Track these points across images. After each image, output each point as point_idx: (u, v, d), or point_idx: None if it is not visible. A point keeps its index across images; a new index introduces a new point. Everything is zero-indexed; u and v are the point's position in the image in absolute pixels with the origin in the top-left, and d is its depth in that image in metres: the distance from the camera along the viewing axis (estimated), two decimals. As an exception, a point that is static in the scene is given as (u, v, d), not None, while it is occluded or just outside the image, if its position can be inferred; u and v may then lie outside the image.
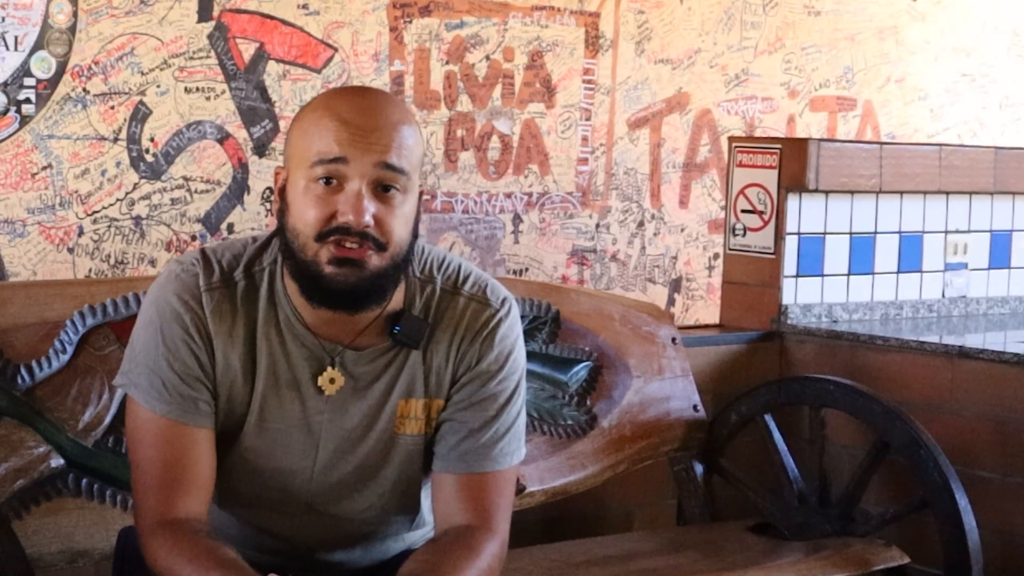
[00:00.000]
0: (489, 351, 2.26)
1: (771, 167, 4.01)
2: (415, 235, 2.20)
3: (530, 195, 4.63)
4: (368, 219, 2.10)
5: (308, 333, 2.21)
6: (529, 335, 3.29)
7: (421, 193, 2.22)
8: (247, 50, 4.02)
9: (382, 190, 2.12)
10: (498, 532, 2.24)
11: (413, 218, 2.18)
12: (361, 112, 2.13)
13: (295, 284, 2.18)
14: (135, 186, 3.86)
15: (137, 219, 3.87)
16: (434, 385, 2.26)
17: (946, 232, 4.31)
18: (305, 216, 2.12)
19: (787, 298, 4.02)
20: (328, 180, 2.11)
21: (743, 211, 4.07)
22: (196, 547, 2.10)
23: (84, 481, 2.70)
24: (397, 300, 2.23)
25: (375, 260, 2.12)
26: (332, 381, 2.22)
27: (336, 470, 2.26)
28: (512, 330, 2.29)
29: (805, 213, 4.02)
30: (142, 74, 3.84)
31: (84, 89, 3.75)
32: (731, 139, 4.21)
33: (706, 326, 4.32)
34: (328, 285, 2.13)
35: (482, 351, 2.26)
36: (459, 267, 2.30)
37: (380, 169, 2.11)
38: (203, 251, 2.24)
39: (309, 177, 2.12)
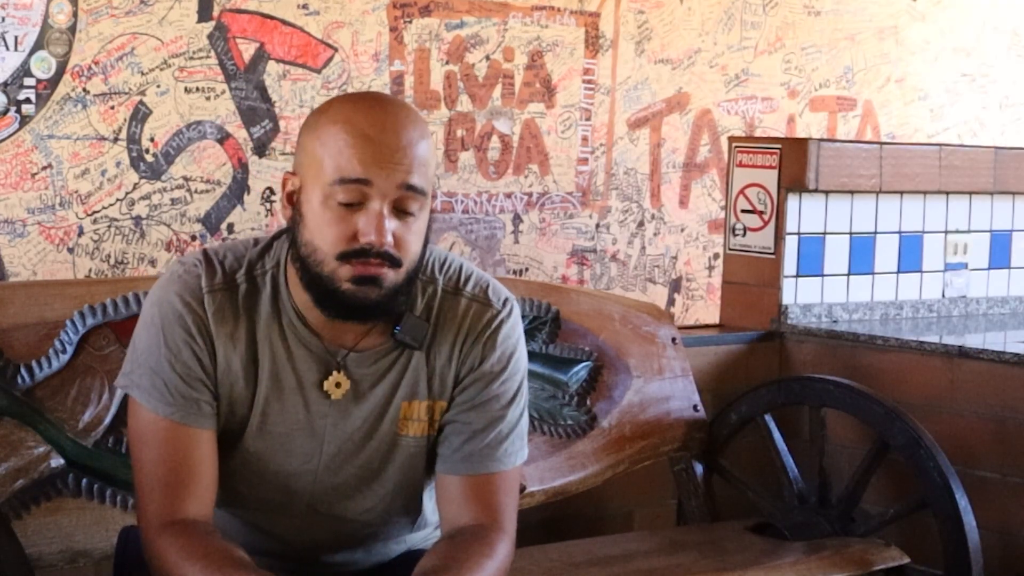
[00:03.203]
0: (492, 352, 2.26)
1: (771, 167, 4.01)
2: (426, 244, 2.20)
3: (530, 195, 4.63)
4: (389, 238, 2.11)
5: (312, 336, 2.21)
6: (529, 335, 3.29)
7: (432, 200, 2.22)
8: (247, 50, 4.02)
9: (401, 208, 2.12)
10: (508, 532, 2.25)
11: (426, 230, 2.19)
12: (383, 129, 2.11)
13: (308, 295, 2.17)
14: (135, 186, 3.87)
15: (137, 219, 3.87)
16: (437, 387, 2.26)
17: (946, 232, 4.31)
18: (324, 234, 2.12)
19: (787, 298, 4.02)
20: (349, 201, 2.11)
21: (743, 211, 4.07)
22: (208, 547, 2.10)
23: (84, 481, 2.69)
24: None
25: (391, 276, 2.13)
26: (338, 385, 2.22)
27: (339, 472, 2.26)
28: (514, 330, 2.29)
29: (805, 213, 4.02)
30: (142, 74, 3.84)
31: (84, 89, 3.75)
32: (731, 139, 4.21)
33: (706, 326, 4.32)
34: (346, 301, 2.13)
35: (485, 352, 2.26)
36: (460, 267, 2.30)
37: (402, 191, 2.11)
38: (205, 252, 2.24)
39: (328, 194, 2.11)
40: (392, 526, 2.35)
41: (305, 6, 4.11)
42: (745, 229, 4.07)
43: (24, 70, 3.66)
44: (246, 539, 2.26)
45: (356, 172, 2.09)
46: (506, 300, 2.30)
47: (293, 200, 2.18)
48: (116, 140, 3.82)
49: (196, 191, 3.97)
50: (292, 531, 2.31)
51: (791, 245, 4.01)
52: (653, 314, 3.58)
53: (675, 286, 5.00)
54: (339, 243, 2.11)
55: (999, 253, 4.45)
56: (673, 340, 3.55)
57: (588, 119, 4.74)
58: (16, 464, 2.63)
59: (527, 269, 4.62)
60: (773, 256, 4.01)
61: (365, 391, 2.23)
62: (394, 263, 2.12)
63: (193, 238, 3.96)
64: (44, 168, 3.72)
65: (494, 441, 2.25)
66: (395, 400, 2.24)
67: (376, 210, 2.10)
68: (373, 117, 2.13)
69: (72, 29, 3.72)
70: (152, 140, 3.87)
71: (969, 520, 3.26)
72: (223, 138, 4.00)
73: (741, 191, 4.07)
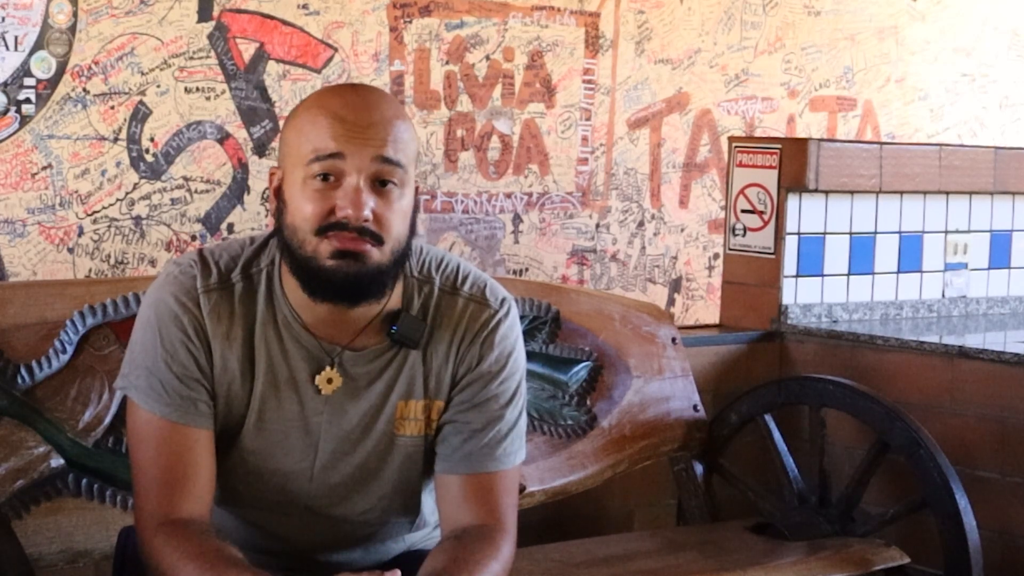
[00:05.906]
0: (490, 352, 2.26)
1: (771, 167, 4.01)
2: (413, 231, 2.20)
3: (530, 195, 4.63)
4: (367, 213, 2.11)
5: (306, 333, 2.21)
6: (529, 335, 3.29)
7: (417, 189, 2.22)
8: (247, 50, 4.02)
9: (379, 184, 2.13)
10: (510, 531, 2.25)
11: (410, 213, 2.18)
12: (355, 108, 2.14)
13: (295, 280, 2.18)
14: (135, 186, 3.87)
15: (137, 219, 3.87)
16: (434, 386, 2.26)
17: (946, 232, 4.31)
18: (304, 211, 2.13)
19: (787, 298, 4.02)
20: (326, 176, 2.12)
21: (743, 211, 4.07)
22: (203, 546, 2.10)
23: (84, 481, 2.70)
24: (395, 300, 2.23)
25: (375, 254, 2.13)
26: (330, 381, 2.22)
27: (336, 471, 2.26)
28: (512, 330, 2.29)
29: (805, 213, 4.02)
30: (142, 74, 3.85)
31: (84, 89, 3.75)
32: (731, 139, 4.21)
33: (706, 326, 4.32)
34: (329, 278, 2.13)
35: (483, 352, 2.26)
36: (458, 267, 2.30)
37: (377, 163, 2.12)
38: (200, 252, 2.24)
39: (306, 174, 2.12)
40: (391, 526, 2.35)
41: (305, 6, 4.11)
42: (745, 229, 4.07)
43: (24, 70, 3.66)
44: (245, 537, 2.27)
45: (329, 147, 2.11)
46: (504, 300, 2.30)
47: (279, 194, 2.19)
48: (116, 140, 3.82)
49: (196, 191, 3.97)
50: (290, 530, 2.31)
51: (791, 245, 4.01)
52: (653, 314, 3.58)
53: (675, 286, 5.00)
54: (317, 218, 2.12)
55: (999, 253, 4.45)
56: (673, 340, 3.55)
57: (588, 119, 4.74)
58: (16, 464, 2.63)
59: (527, 269, 4.62)
60: (773, 256, 4.01)
61: (360, 389, 2.23)
62: (376, 239, 2.12)
63: (193, 238, 3.96)
64: (44, 168, 3.72)
65: (493, 441, 2.25)
66: (391, 399, 2.24)
67: (353, 184, 2.11)
68: (346, 99, 2.16)
69: (72, 29, 3.72)
70: (152, 140, 3.88)
71: (969, 520, 3.26)
72: (223, 138, 4.00)
73: (741, 191, 4.07)
